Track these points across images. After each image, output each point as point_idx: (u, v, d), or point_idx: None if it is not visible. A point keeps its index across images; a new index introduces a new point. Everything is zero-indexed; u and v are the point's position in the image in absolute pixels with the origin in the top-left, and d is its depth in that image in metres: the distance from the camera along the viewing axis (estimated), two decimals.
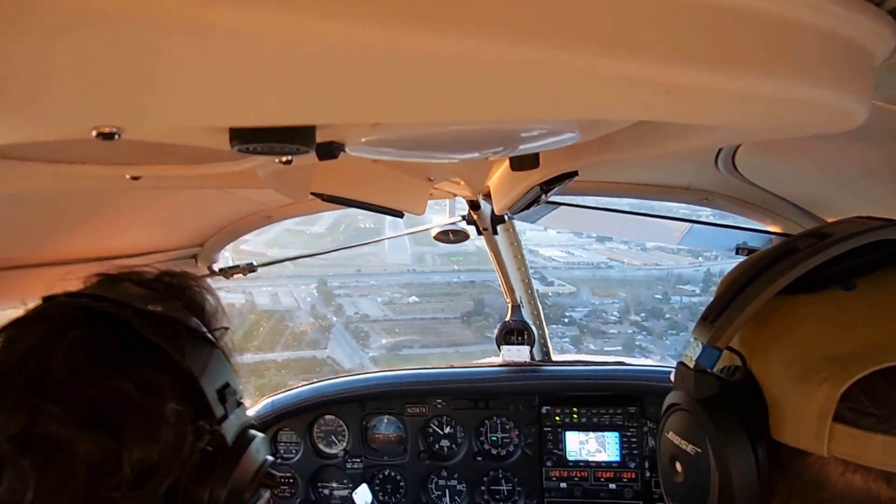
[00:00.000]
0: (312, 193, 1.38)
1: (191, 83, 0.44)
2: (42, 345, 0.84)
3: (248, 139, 0.64)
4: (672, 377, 0.82)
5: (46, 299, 0.94)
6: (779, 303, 0.74)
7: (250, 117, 0.57)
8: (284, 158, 0.83)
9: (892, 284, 0.72)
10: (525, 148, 0.92)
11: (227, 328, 1.03)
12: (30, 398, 0.79)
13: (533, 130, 0.80)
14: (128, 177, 0.99)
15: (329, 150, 0.80)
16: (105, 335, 0.88)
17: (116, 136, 0.58)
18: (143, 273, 1.02)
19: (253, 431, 1.00)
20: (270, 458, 1.03)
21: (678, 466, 0.79)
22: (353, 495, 2.49)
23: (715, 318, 0.76)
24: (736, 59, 0.46)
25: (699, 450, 0.75)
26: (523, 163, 1.06)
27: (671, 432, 0.81)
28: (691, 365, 0.77)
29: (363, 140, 0.80)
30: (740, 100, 0.51)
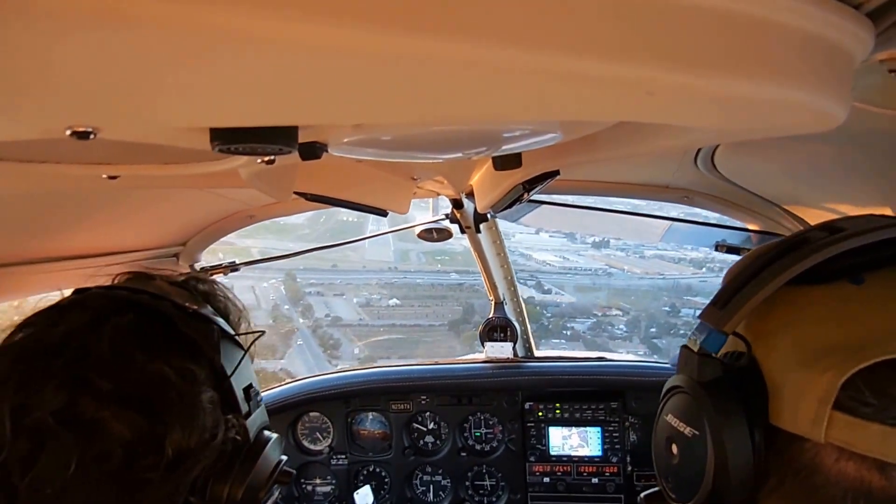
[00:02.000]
0: (296, 193, 1.37)
1: (169, 83, 0.43)
2: (85, 327, 0.86)
3: (230, 140, 0.63)
4: (675, 362, 0.83)
5: (79, 291, 0.96)
6: (787, 293, 0.75)
7: (231, 118, 0.56)
8: (267, 158, 0.83)
9: None
10: (508, 148, 0.92)
11: (262, 332, 1.07)
12: (75, 375, 0.81)
13: (515, 131, 0.80)
14: (104, 176, 0.98)
15: (312, 150, 0.80)
16: (146, 323, 0.91)
17: (92, 136, 0.57)
18: (174, 276, 1.06)
19: (268, 432, 1.03)
20: (285, 457, 1.07)
21: (674, 448, 0.80)
22: (355, 495, 2.48)
23: (724, 303, 0.76)
24: (716, 60, 0.46)
25: (697, 432, 0.76)
26: (506, 162, 1.06)
27: (670, 414, 0.82)
28: (696, 348, 0.78)
29: (346, 140, 0.79)
30: (720, 101, 0.51)
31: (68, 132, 0.55)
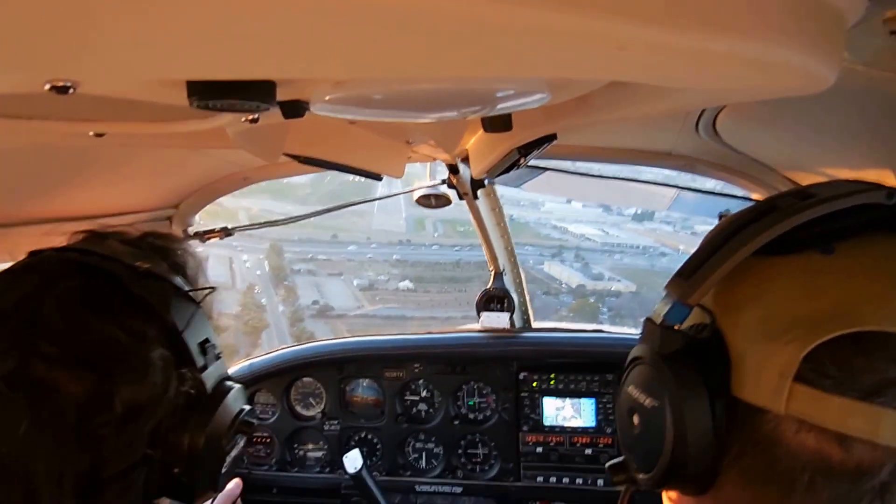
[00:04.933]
0: (286, 154, 1.36)
1: (142, 33, 0.43)
2: (34, 292, 0.89)
3: (207, 95, 0.63)
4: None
5: (33, 254, 0.98)
6: (755, 263, 0.73)
7: (206, 69, 0.56)
8: (250, 117, 0.82)
9: (870, 250, 0.70)
10: (496, 108, 0.91)
11: (213, 289, 1.09)
12: (23, 339, 0.84)
13: (499, 90, 0.79)
14: (91, 134, 0.98)
15: (293, 109, 0.79)
16: (95, 286, 0.93)
17: (71, 90, 0.57)
18: (129, 233, 1.08)
19: (230, 382, 1.06)
20: (248, 406, 1.10)
21: (636, 419, 0.80)
22: (344, 459, 2.50)
23: (690, 274, 0.75)
24: (691, 15, 0.45)
25: (657, 403, 0.75)
26: (494, 124, 1.05)
27: (632, 386, 0.81)
28: (658, 321, 0.77)
29: (328, 98, 0.78)
30: (697, 58, 0.50)
31: (47, 86, 0.55)
